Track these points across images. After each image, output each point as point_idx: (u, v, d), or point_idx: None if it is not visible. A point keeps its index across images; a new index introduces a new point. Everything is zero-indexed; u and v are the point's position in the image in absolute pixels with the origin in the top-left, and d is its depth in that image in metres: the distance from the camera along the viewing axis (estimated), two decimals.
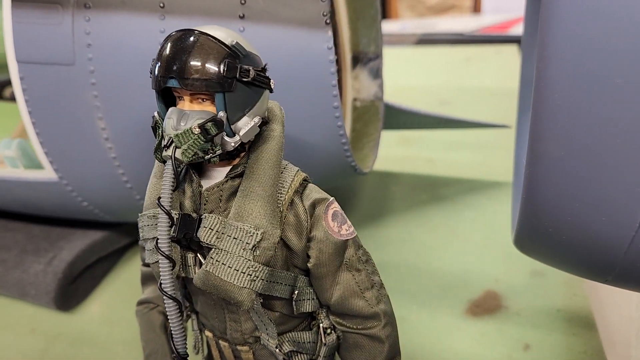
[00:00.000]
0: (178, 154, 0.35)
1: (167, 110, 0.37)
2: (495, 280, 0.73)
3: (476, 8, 2.73)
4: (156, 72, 0.36)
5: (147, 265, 0.47)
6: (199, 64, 0.34)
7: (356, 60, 0.85)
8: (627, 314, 0.54)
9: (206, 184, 0.39)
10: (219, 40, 0.36)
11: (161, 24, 0.54)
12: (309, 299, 0.42)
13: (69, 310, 0.75)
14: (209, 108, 0.36)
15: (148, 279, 0.48)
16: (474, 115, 1.16)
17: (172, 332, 0.38)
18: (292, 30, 0.54)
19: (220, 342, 0.44)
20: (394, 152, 1.14)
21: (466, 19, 2.32)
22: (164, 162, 0.37)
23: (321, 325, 0.44)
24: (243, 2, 0.54)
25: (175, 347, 0.39)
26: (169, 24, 0.54)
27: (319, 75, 0.55)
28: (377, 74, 0.84)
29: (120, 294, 0.78)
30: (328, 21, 0.54)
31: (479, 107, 1.33)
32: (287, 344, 0.43)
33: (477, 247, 0.80)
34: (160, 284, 0.37)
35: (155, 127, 0.38)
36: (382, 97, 0.83)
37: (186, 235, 0.38)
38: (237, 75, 0.35)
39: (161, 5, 0.54)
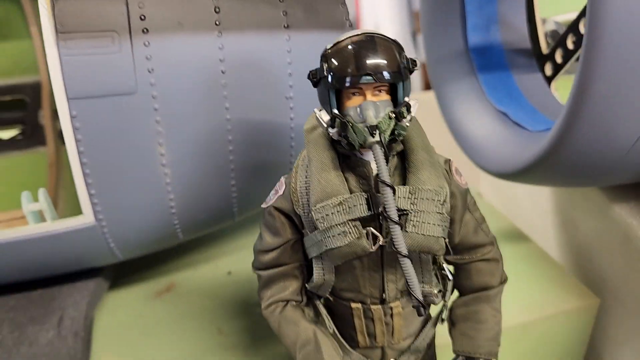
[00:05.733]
0: (382, 138, 0.42)
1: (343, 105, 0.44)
2: None
3: None
4: (348, 71, 0.41)
5: (267, 268, 0.51)
6: (388, 60, 0.41)
7: None
8: None
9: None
10: (392, 39, 0.44)
11: (218, 41, 0.57)
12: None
13: None
14: (385, 97, 0.44)
15: (271, 281, 0.52)
16: None
17: (410, 284, 0.45)
18: (326, 34, 0.63)
19: (371, 307, 0.50)
20: None
21: None
22: (366, 147, 0.42)
23: (444, 264, 0.55)
24: (284, 14, 0.60)
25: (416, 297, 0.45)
26: (226, 41, 0.58)
27: None
28: None
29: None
30: (350, 24, 0.64)
31: None
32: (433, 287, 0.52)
33: None
34: (395, 248, 0.42)
35: (344, 123, 0.42)
36: None
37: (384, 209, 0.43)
38: (410, 66, 0.44)
39: (217, 22, 0.57)
